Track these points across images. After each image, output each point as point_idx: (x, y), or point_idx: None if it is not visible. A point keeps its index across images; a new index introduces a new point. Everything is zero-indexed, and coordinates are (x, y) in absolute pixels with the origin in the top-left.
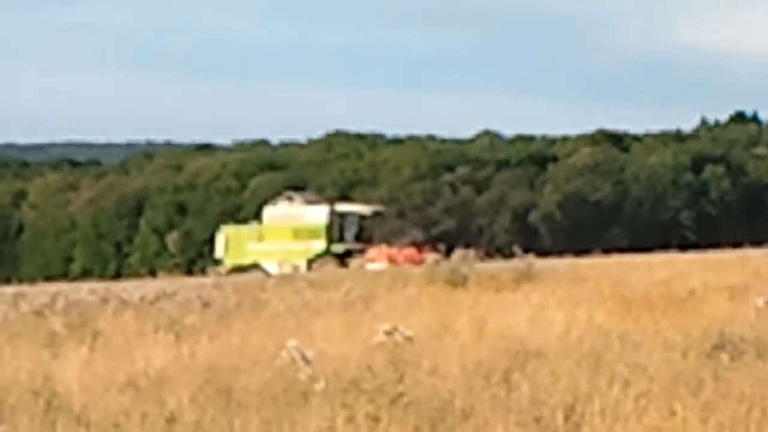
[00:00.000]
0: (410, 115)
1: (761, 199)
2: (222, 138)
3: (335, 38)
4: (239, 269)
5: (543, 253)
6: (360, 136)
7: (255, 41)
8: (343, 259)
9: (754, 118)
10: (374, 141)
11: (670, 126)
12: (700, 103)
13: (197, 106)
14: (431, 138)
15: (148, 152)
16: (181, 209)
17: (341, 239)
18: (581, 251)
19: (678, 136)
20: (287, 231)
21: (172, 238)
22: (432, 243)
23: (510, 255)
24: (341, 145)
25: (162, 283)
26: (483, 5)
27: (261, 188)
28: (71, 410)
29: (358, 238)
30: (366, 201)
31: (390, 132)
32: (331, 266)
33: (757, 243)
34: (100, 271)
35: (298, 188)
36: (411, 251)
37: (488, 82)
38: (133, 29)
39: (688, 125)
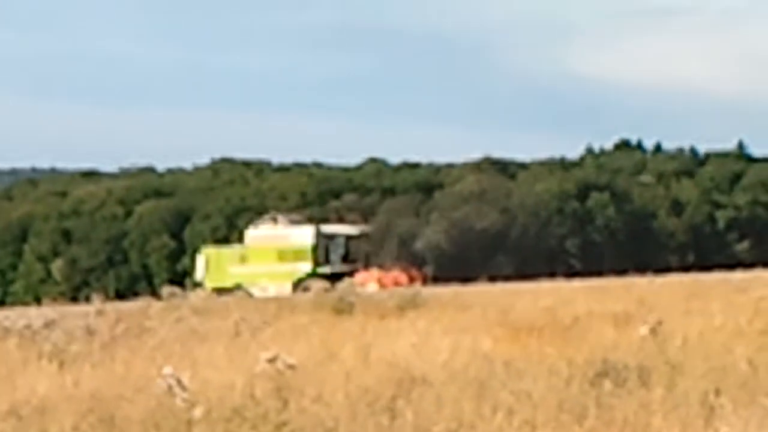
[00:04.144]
0: (297, 142)
1: (646, 227)
2: (107, 165)
3: (222, 63)
4: (221, 292)
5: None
6: (246, 164)
7: (142, 66)
8: (331, 281)
9: (639, 146)
10: (261, 168)
11: (556, 154)
12: (585, 131)
13: (82, 132)
14: (318, 165)
15: (32, 179)
16: (66, 236)
17: (327, 261)
18: (467, 279)
19: (563, 164)
20: (272, 253)
21: (56, 265)
22: (418, 266)
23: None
24: (228, 172)
25: (46, 311)
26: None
27: (147, 215)
28: None
29: (345, 259)
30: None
31: (276, 159)
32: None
33: (642, 270)
34: None
35: (184, 215)
36: (398, 274)
37: (376, 109)
38: (17, 54)
39: (574, 153)
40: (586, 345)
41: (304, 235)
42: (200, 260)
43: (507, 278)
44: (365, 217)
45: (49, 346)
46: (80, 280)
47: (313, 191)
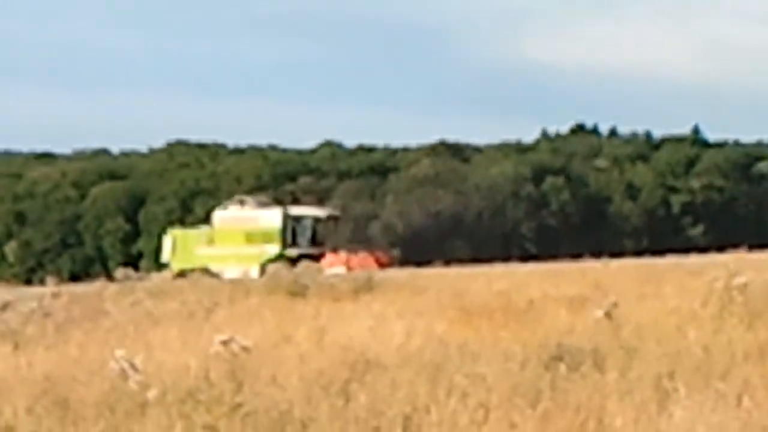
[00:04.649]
0: (252, 124)
1: (601, 211)
2: (62, 147)
3: (178, 47)
4: (187, 273)
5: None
6: (201, 146)
7: (97, 49)
8: (298, 263)
9: (594, 130)
10: (216, 151)
11: (511, 137)
12: (540, 115)
13: (37, 114)
14: (273, 148)
15: None
16: (20, 218)
17: (295, 243)
18: (422, 262)
19: (518, 148)
20: (239, 235)
21: (10, 247)
22: (386, 248)
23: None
24: (182, 154)
25: (1, 293)
26: (325, 15)
27: (101, 197)
28: None
29: (313, 242)
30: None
31: (231, 142)
32: (284, 271)
33: (597, 254)
34: None
35: (138, 197)
36: (366, 257)
37: (331, 92)
38: None
39: (529, 137)
40: (541, 328)
41: (272, 218)
42: (167, 241)
43: (462, 261)
44: (320, 200)
45: (3, 328)
46: (34, 262)
47: (269, 174)
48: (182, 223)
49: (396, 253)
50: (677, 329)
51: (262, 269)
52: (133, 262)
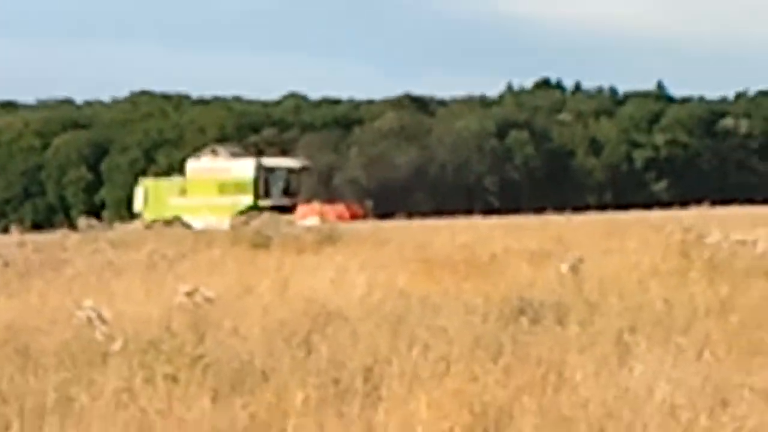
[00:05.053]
0: (217, 76)
1: (564, 166)
2: (25, 96)
3: None
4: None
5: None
6: (165, 97)
7: None
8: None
9: (559, 85)
10: (180, 101)
11: (476, 91)
12: (505, 69)
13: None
14: (237, 99)
15: None
16: None
17: (268, 194)
18: (385, 214)
19: (483, 102)
20: (212, 185)
21: None
22: (359, 200)
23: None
24: (146, 105)
25: None
26: None
27: (64, 147)
28: None
29: (286, 193)
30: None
31: (196, 93)
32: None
33: (560, 209)
34: None
35: (102, 147)
36: (340, 207)
37: (296, 44)
38: None
39: (494, 91)
40: (503, 282)
41: (245, 168)
42: (139, 192)
43: (425, 215)
44: (284, 152)
45: None
46: None
47: (232, 125)
48: (145, 173)
49: (370, 204)
50: (639, 284)
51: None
52: (95, 211)
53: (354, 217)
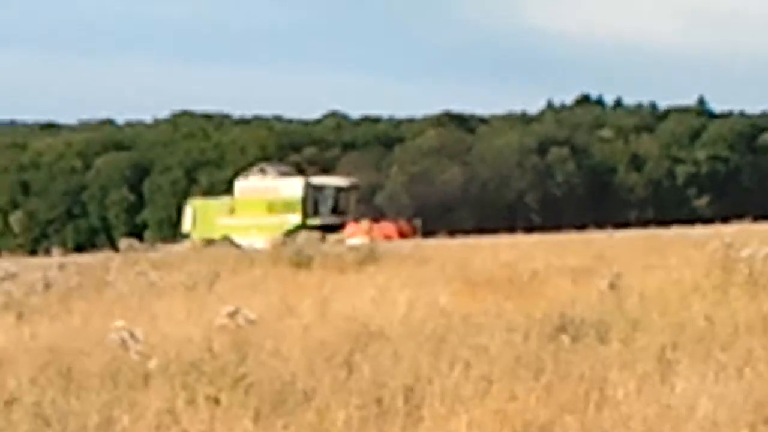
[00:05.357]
0: (257, 95)
1: (605, 182)
2: (67, 117)
3: (184, 15)
4: (208, 243)
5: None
6: (207, 116)
7: (104, 17)
8: (320, 233)
9: (599, 101)
10: (221, 121)
11: (516, 108)
12: (546, 85)
13: (42, 84)
14: (278, 118)
15: None
16: (25, 189)
17: (317, 213)
18: (427, 233)
19: (524, 119)
20: (261, 204)
21: (15, 218)
22: (408, 219)
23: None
24: (187, 125)
25: (5, 264)
26: None
27: (106, 168)
28: None
29: (334, 211)
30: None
31: (237, 112)
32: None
33: (601, 225)
34: None
35: (143, 168)
36: (389, 226)
37: (336, 62)
38: None
39: (534, 108)
40: (544, 300)
41: (293, 187)
42: (188, 212)
43: (466, 232)
44: (325, 171)
45: (7, 299)
46: (39, 232)
47: (273, 145)
48: (186, 193)
49: (418, 223)
50: (680, 301)
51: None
52: (137, 232)
53: (402, 235)
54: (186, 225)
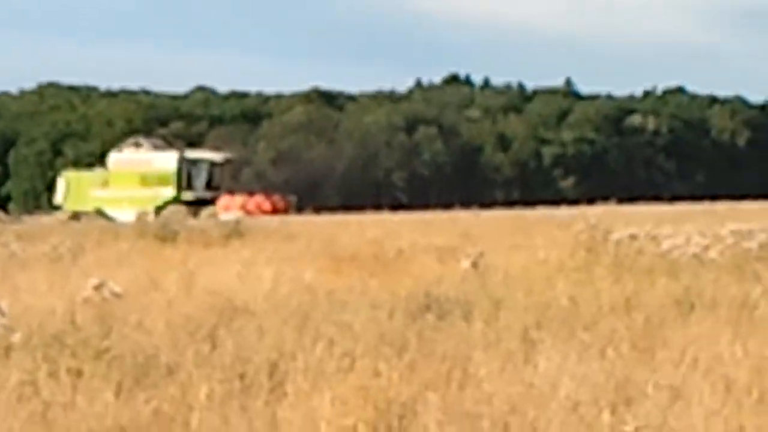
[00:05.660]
0: (125, 68)
1: (473, 161)
2: None
3: None
4: (74, 217)
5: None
6: (73, 88)
7: None
8: (194, 207)
9: (467, 81)
10: (87, 93)
11: (385, 86)
12: (414, 64)
13: None
14: (145, 92)
15: None
16: None
17: (191, 187)
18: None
19: (392, 97)
20: (134, 177)
21: None
22: (281, 192)
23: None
24: (53, 97)
25: None
26: None
27: None
28: None
29: (208, 185)
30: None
31: (104, 85)
32: (181, 215)
33: (467, 205)
34: None
35: (8, 139)
36: (263, 200)
37: (204, 37)
38: None
39: (403, 86)
40: (410, 278)
41: (167, 160)
42: (60, 183)
43: (333, 209)
44: (191, 145)
45: None
46: None
47: (140, 118)
48: (52, 166)
49: (293, 199)
50: (545, 280)
51: (158, 212)
52: (1, 204)
53: (277, 211)
54: (59, 197)
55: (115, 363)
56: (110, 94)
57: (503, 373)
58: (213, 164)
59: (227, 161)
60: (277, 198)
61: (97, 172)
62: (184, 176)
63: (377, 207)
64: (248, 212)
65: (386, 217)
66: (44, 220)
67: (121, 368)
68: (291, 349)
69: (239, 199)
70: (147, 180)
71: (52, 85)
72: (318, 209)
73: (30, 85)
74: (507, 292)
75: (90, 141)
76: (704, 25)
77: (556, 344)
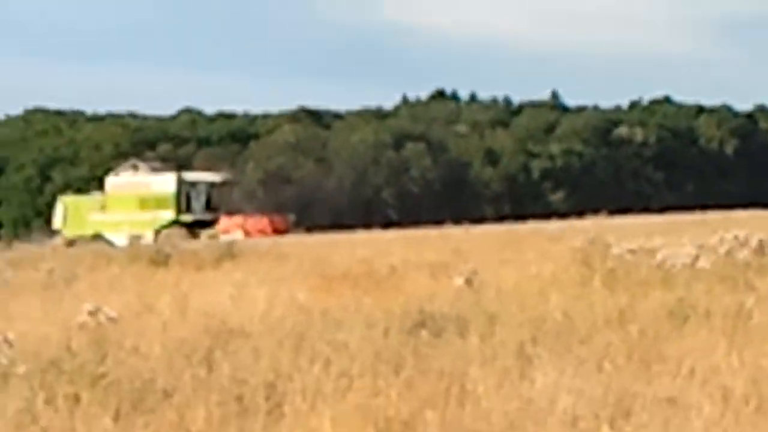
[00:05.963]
0: (111, 91)
1: (462, 177)
2: None
3: (33, 13)
4: (70, 244)
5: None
6: (60, 113)
7: None
8: (193, 229)
9: (454, 96)
10: (74, 118)
11: (371, 104)
12: (400, 80)
13: None
14: (132, 115)
15: None
16: None
17: (190, 209)
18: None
19: (379, 114)
20: (133, 201)
21: None
22: (281, 213)
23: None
24: (40, 122)
25: None
26: None
27: None
28: None
29: (207, 207)
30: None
31: (90, 109)
32: (180, 238)
33: (458, 221)
34: None
35: None
36: (263, 221)
37: (190, 58)
38: None
39: (389, 103)
40: (403, 295)
41: (165, 183)
42: (59, 208)
43: (323, 229)
44: (180, 167)
45: None
46: None
47: (128, 141)
48: (41, 192)
49: (292, 218)
50: (539, 295)
51: (157, 235)
52: None
53: (276, 231)
54: (57, 222)
55: (112, 388)
56: (97, 118)
57: (500, 390)
58: (212, 185)
59: (226, 182)
60: (275, 218)
61: (95, 196)
62: (183, 198)
63: (368, 225)
64: (248, 233)
65: (377, 234)
66: (34, 247)
67: (119, 393)
68: (287, 370)
69: (239, 220)
70: (145, 203)
71: (39, 111)
72: (310, 229)
73: (16, 110)
74: (501, 307)
75: (78, 165)
76: (689, 35)
77: (552, 359)
